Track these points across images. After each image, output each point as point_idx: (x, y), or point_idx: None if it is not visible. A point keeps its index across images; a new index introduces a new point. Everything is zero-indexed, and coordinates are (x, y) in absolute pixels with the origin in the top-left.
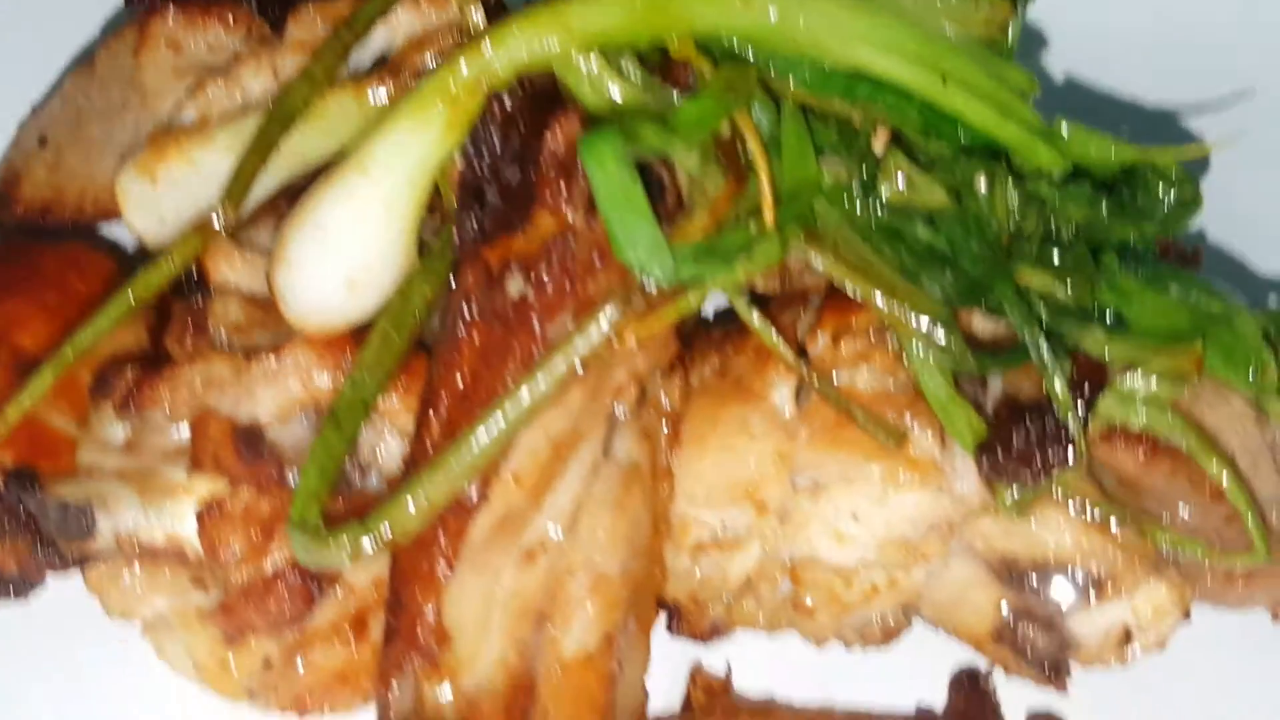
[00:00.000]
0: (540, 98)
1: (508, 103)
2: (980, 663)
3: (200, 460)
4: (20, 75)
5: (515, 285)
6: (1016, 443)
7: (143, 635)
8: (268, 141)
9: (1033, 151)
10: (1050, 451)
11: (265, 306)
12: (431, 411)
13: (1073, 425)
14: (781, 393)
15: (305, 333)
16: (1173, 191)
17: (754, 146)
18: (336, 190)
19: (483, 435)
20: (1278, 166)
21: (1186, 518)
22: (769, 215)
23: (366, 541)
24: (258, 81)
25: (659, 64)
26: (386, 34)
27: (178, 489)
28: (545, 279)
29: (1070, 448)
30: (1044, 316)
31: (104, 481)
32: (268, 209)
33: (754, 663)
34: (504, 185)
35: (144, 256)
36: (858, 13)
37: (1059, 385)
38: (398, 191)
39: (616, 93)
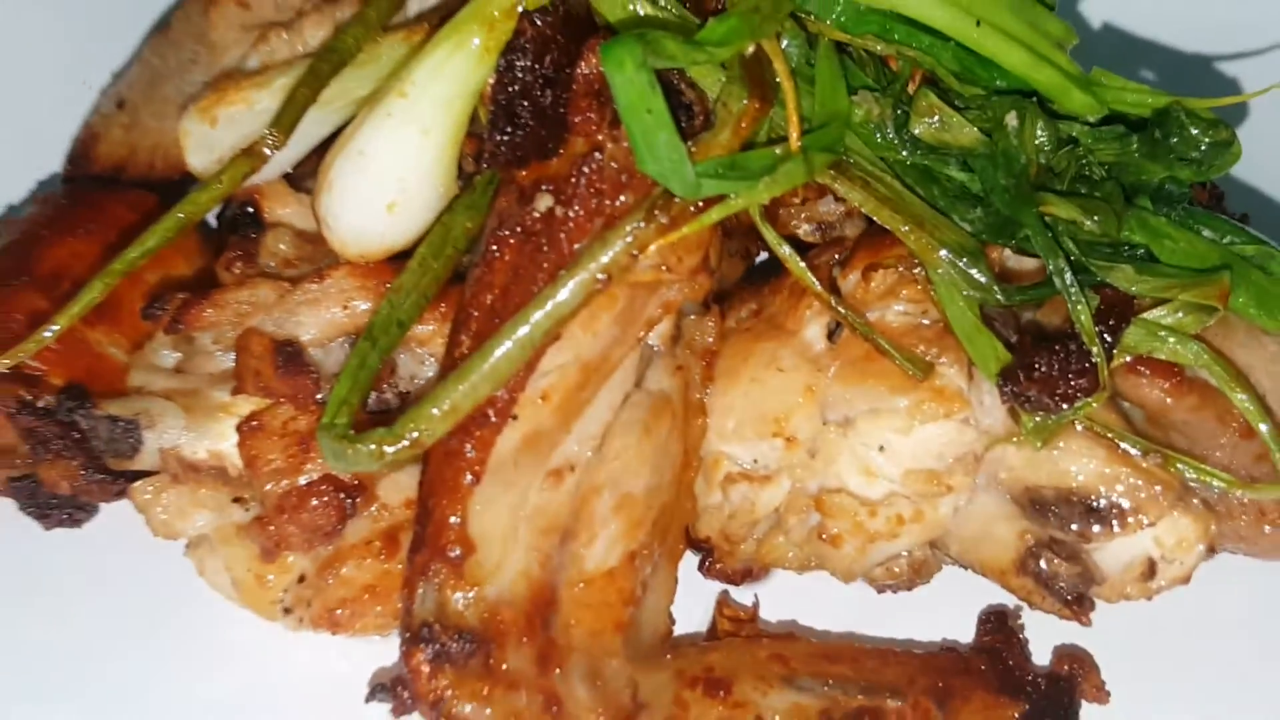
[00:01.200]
0: (575, 23)
1: (541, 23)
2: (1008, 603)
3: (243, 378)
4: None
5: (544, 201)
6: (1039, 368)
7: (185, 553)
8: (319, 75)
9: (1067, 96)
10: (1073, 377)
11: (315, 242)
12: (462, 325)
13: (1096, 352)
14: (814, 329)
15: (347, 259)
16: (1208, 136)
17: (780, 70)
18: (377, 115)
19: (508, 343)
20: None
21: (1214, 454)
22: (795, 138)
23: (392, 446)
24: (319, 33)
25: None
26: None
27: (221, 408)
28: (572, 195)
29: (1094, 374)
30: (1073, 250)
31: (151, 400)
32: (320, 154)
33: (783, 602)
34: (538, 107)
35: None
36: None
37: (1082, 313)
38: (435, 114)
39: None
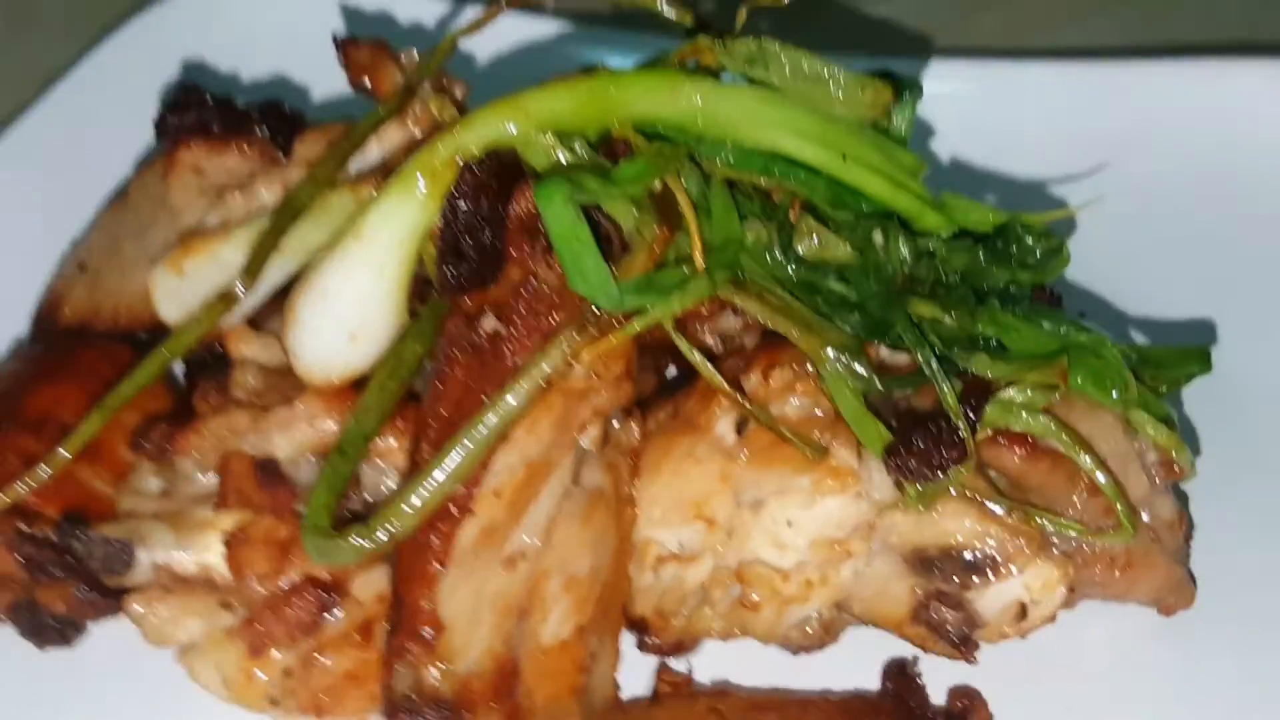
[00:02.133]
0: (507, 170)
1: (478, 171)
2: (907, 654)
3: (226, 496)
4: (63, 218)
5: (489, 323)
6: (917, 444)
7: (177, 661)
8: (279, 228)
9: (922, 217)
10: (945, 450)
11: (279, 374)
12: (422, 434)
13: (963, 428)
14: (724, 424)
15: (313, 386)
16: (1041, 245)
17: (682, 202)
18: (336, 257)
19: (466, 445)
20: (1131, 227)
21: (1067, 511)
22: (699, 259)
23: (368, 540)
24: (270, 193)
25: (602, 145)
26: (380, 148)
27: (206, 524)
28: (514, 315)
29: (961, 446)
30: (937, 344)
31: (141, 521)
32: (278, 300)
33: (714, 666)
34: (478, 243)
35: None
36: (770, 103)
37: (949, 394)
38: (388, 255)
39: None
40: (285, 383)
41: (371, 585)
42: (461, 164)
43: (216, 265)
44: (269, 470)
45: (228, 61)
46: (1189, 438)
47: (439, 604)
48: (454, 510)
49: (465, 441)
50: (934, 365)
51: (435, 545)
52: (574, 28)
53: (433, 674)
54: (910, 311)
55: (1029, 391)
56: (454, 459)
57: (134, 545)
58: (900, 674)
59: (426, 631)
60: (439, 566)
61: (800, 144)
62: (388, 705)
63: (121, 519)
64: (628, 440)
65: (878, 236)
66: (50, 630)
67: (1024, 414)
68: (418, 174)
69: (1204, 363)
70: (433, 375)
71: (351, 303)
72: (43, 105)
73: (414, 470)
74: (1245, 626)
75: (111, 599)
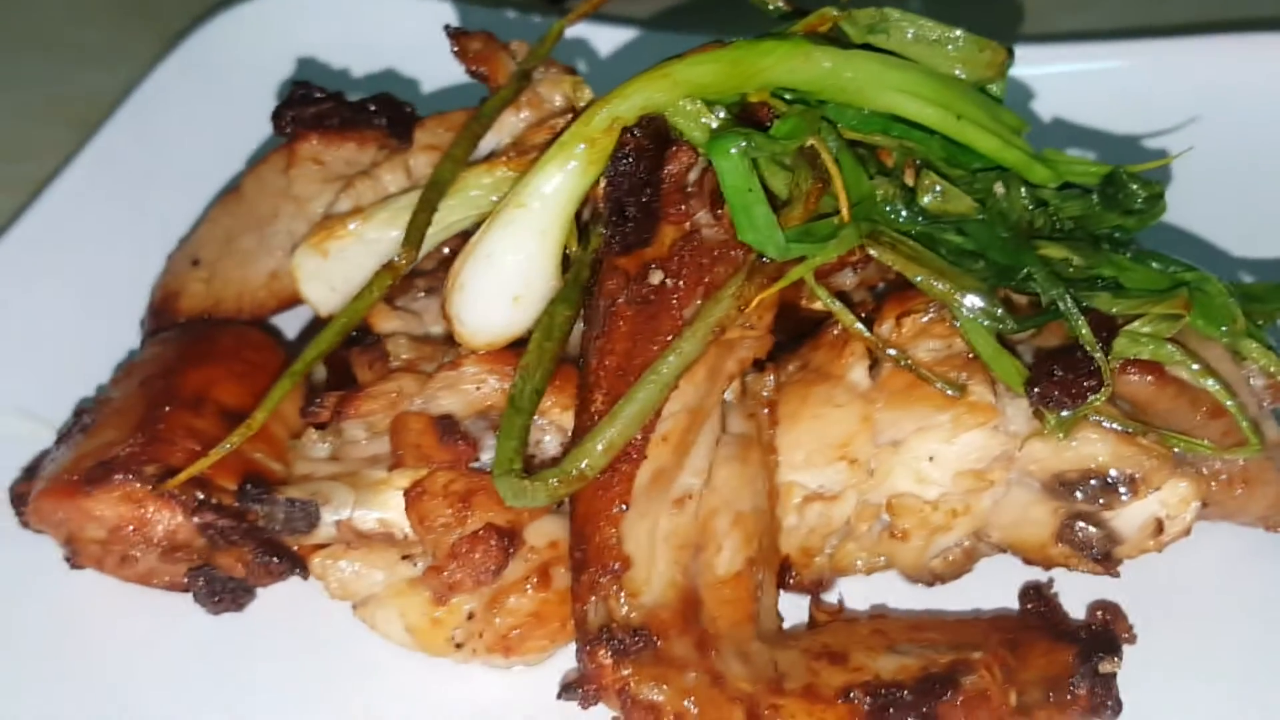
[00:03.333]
0: (659, 135)
1: (638, 134)
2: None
3: (403, 454)
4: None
5: (656, 276)
6: (1058, 375)
7: (355, 614)
8: (430, 202)
9: (1030, 171)
10: (1084, 379)
11: (426, 343)
12: (593, 386)
13: (1098, 358)
14: (858, 371)
15: (475, 349)
16: (1143, 193)
17: (827, 159)
18: (502, 223)
19: (650, 387)
20: (1221, 177)
21: (1190, 433)
22: (846, 210)
23: (562, 480)
24: (394, 178)
25: (740, 111)
26: (495, 137)
27: (383, 482)
28: (679, 269)
29: (1099, 375)
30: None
31: (321, 483)
32: (411, 278)
33: (852, 603)
34: (640, 204)
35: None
36: (890, 66)
37: (1083, 328)
38: (550, 219)
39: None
40: (434, 350)
41: (544, 532)
42: (621, 130)
43: (361, 244)
44: (448, 426)
45: (305, 59)
46: None
47: (623, 540)
48: (633, 453)
49: (646, 388)
50: (1069, 301)
51: (617, 486)
52: (641, 31)
53: (623, 606)
54: (1041, 254)
55: (1154, 323)
56: (635, 405)
57: (319, 505)
58: (1038, 595)
59: (615, 566)
60: (622, 506)
61: (919, 105)
62: (583, 638)
63: (298, 483)
64: (763, 391)
65: (999, 187)
66: (226, 594)
67: (1150, 344)
68: (578, 142)
69: None
70: (594, 333)
71: (515, 267)
72: (125, 109)
73: (586, 422)
74: None
75: (287, 561)
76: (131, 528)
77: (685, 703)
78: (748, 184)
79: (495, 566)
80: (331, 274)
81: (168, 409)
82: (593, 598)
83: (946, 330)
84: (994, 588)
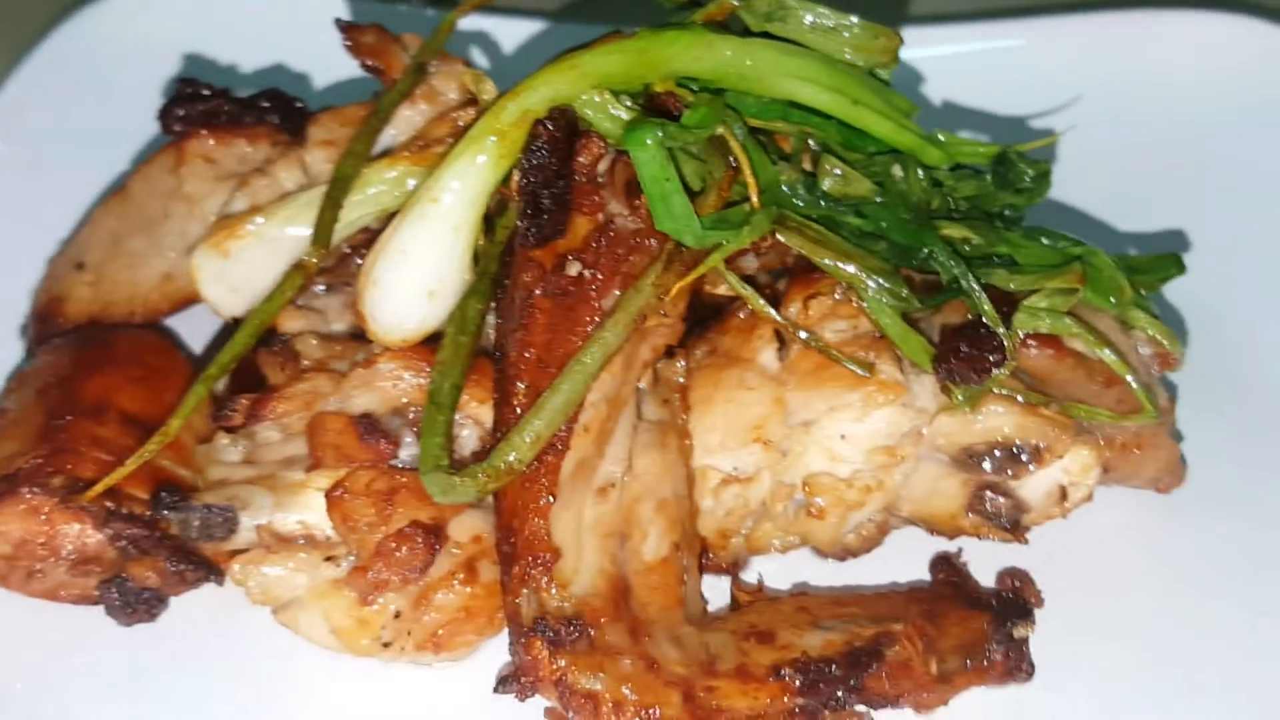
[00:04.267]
0: (567, 128)
1: (551, 126)
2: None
3: (320, 456)
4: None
5: (574, 268)
6: (963, 352)
7: (276, 619)
8: (335, 199)
9: (924, 153)
10: (989, 355)
11: (335, 341)
12: (514, 378)
13: (1002, 333)
14: (767, 354)
15: (389, 345)
16: (1031, 171)
17: (735, 147)
18: (415, 219)
19: (574, 379)
20: (1104, 153)
21: (1090, 401)
22: (755, 197)
23: (489, 475)
24: (290, 175)
25: (647, 102)
26: (391, 132)
27: (301, 484)
28: (596, 259)
29: (1002, 350)
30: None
31: (239, 487)
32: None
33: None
34: (554, 195)
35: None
36: (787, 53)
37: (984, 304)
38: (463, 213)
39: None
40: (344, 348)
41: (467, 527)
42: (534, 122)
43: (262, 243)
44: (369, 425)
45: (188, 54)
46: None
47: (552, 532)
48: (558, 444)
49: (570, 379)
50: (971, 279)
51: (544, 478)
52: (539, 24)
53: (555, 597)
54: (942, 234)
55: (1050, 297)
56: (560, 396)
57: (237, 510)
58: (949, 565)
59: (545, 558)
60: (550, 497)
61: (816, 91)
62: (517, 631)
63: (213, 488)
64: (674, 378)
65: (897, 170)
66: (140, 605)
67: (1048, 318)
68: (488, 134)
69: (1179, 266)
70: (511, 325)
71: (430, 262)
72: None
73: (509, 411)
74: (1228, 502)
75: (202, 568)
76: (40, 542)
77: (623, 689)
78: (665, 174)
79: (422, 563)
80: (232, 274)
81: (69, 418)
82: (524, 590)
83: (852, 311)
84: (904, 560)
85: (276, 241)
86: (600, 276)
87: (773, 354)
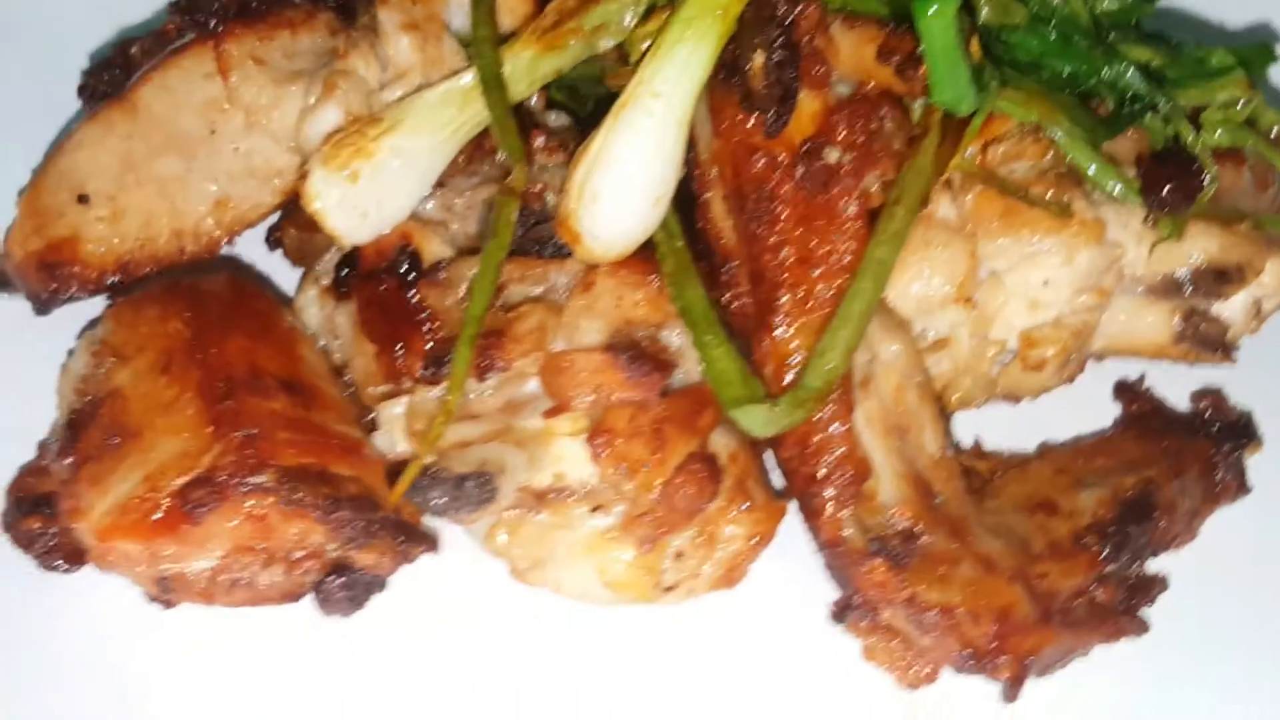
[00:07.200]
0: None
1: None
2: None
3: (568, 398)
4: None
5: (833, 154)
6: (1172, 179)
7: (525, 581)
8: (502, 103)
9: None
10: (1195, 179)
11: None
12: (776, 283)
13: (1201, 154)
14: (944, 206)
15: (600, 262)
16: None
17: None
18: (634, 119)
19: (871, 279)
20: None
21: (1260, 207)
22: (976, 50)
23: (810, 396)
24: (370, 70)
25: None
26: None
27: (549, 434)
28: (852, 140)
29: (1203, 172)
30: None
31: (485, 447)
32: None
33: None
34: (778, 77)
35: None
36: None
37: (1186, 127)
38: (685, 105)
39: None
40: (540, 269)
41: (724, 446)
42: None
43: (396, 158)
44: (633, 356)
45: None
46: None
47: (856, 446)
48: None
49: (867, 279)
50: (1166, 103)
51: (839, 389)
52: None
53: (877, 513)
54: (1123, 58)
55: (1223, 110)
56: (861, 300)
57: (495, 476)
58: (1136, 393)
59: (855, 475)
60: (848, 409)
61: None
62: (848, 557)
63: (449, 452)
64: None
65: None
66: (361, 590)
67: (1226, 130)
68: (709, 12)
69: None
70: (750, 227)
71: (656, 165)
72: None
73: (779, 317)
74: None
75: (425, 540)
76: (258, 548)
77: (973, 595)
78: (956, 42)
79: (709, 498)
80: (363, 199)
81: (232, 400)
82: (843, 512)
83: (1035, 149)
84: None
85: (409, 154)
86: (857, 159)
87: (949, 204)
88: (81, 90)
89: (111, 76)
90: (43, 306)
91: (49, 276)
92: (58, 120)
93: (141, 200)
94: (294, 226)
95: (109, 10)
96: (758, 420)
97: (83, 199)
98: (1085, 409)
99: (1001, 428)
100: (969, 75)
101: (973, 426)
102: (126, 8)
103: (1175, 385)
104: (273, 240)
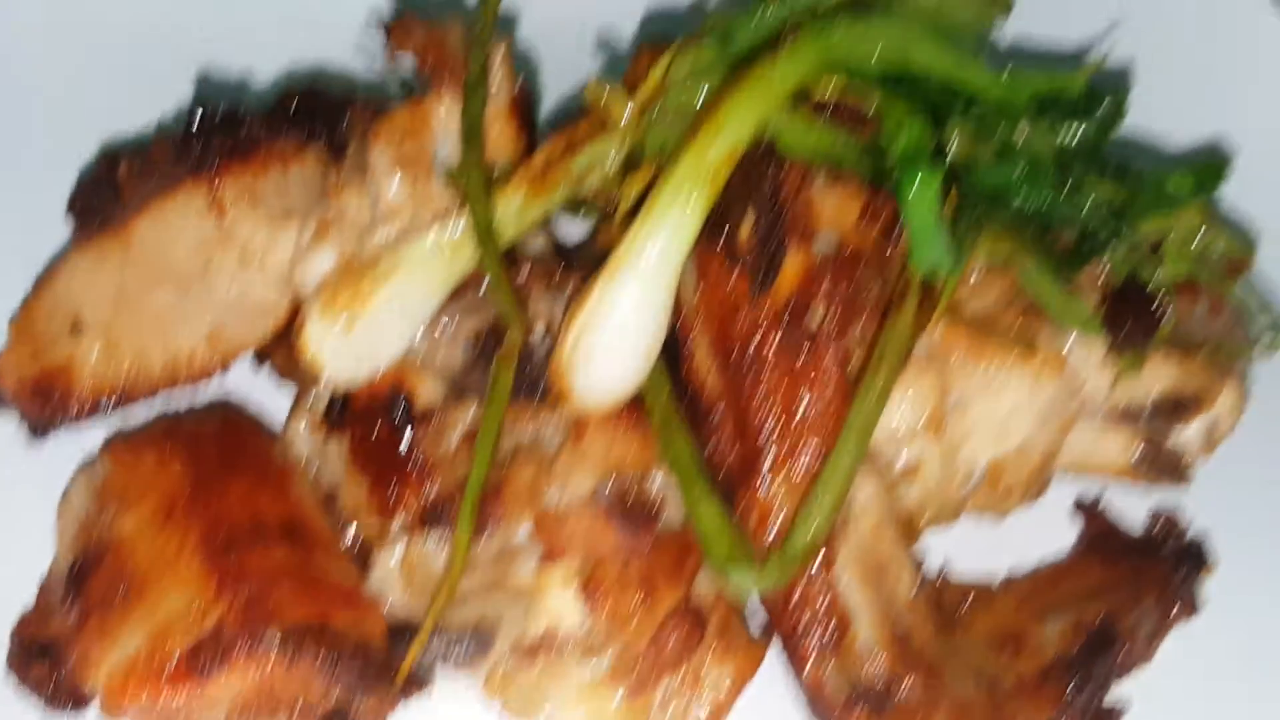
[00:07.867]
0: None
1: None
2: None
3: (561, 549)
4: None
5: (818, 313)
6: (1132, 315)
7: None
8: (496, 254)
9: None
10: (1156, 314)
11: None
12: (761, 445)
13: (1160, 289)
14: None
15: (589, 414)
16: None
17: None
18: (625, 282)
19: (855, 441)
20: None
21: (1213, 332)
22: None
23: (791, 560)
24: (360, 207)
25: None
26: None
27: (540, 584)
28: (834, 300)
29: (1164, 306)
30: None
31: (483, 601)
32: None
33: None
34: (765, 238)
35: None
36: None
37: (1149, 264)
38: (673, 266)
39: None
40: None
41: (706, 589)
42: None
43: (389, 305)
44: (624, 511)
45: None
46: None
47: (839, 598)
48: None
49: (852, 442)
50: (1131, 238)
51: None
52: None
53: (858, 664)
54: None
55: (1182, 240)
56: (847, 458)
57: (491, 629)
58: (1093, 509)
59: (839, 626)
60: (831, 564)
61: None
62: (831, 708)
63: (450, 607)
64: None
65: (1024, 127)
66: None
67: (1184, 263)
68: (698, 179)
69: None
70: (738, 384)
71: (645, 323)
72: None
73: (754, 480)
74: None
75: (416, 685)
76: (262, 700)
77: None
78: (936, 210)
79: (696, 645)
80: (357, 346)
81: (234, 554)
82: (826, 663)
83: (1000, 283)
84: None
85: (402, 301)
86: (840, 318)
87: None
88: (71, 205)
89: (100, 194)
90: (38, 432)
91: (44, 402)
92: (43, 232)
93: (135, 331)
94: (283, 346)
95: (91, 121)
96: (746, 581)
97: (76, 328)
98: (1047, 520)
99: (968, 537)
100: (947, 242)
101: (940, 539)
102: (109, 119)
103: (1131, 496)
104: (260, 357)
